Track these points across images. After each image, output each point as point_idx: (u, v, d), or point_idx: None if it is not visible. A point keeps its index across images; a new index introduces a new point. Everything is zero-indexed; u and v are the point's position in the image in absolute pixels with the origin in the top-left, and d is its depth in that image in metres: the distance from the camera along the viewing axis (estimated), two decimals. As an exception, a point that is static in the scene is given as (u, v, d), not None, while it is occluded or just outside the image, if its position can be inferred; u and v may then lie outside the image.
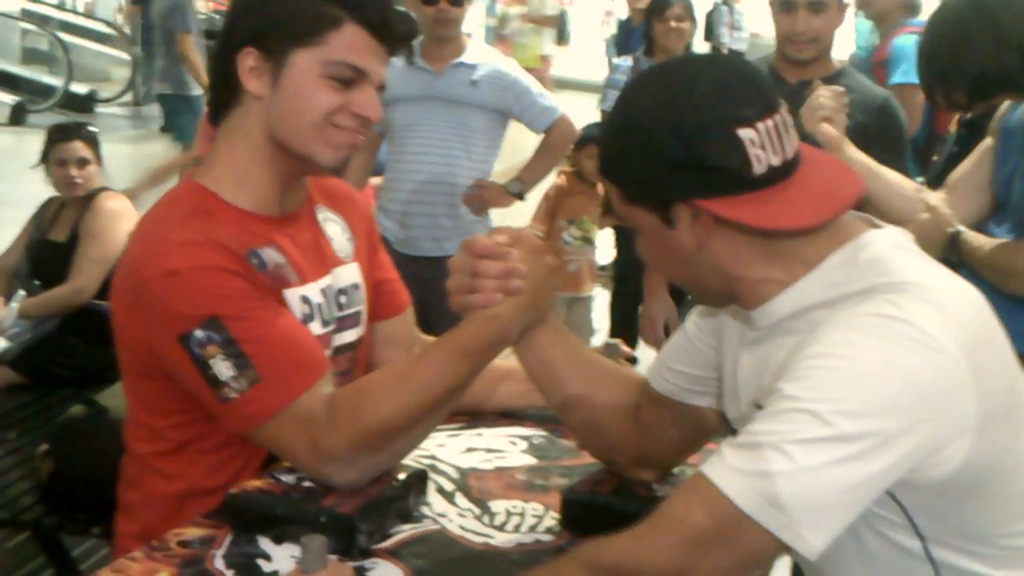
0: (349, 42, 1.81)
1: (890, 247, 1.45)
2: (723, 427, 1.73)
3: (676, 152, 1.41)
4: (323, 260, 1.98)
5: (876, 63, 4.53)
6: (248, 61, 1.82)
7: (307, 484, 1.75)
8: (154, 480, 1.92)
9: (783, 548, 1.31)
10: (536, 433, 2.15)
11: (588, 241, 5.67)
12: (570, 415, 1.86)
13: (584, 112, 6.58)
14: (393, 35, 1.85)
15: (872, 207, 3.01)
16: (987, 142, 2.95)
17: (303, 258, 1.91)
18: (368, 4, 1.82)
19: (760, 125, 1.40)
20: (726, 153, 1.39)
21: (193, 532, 1.69)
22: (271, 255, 1.84)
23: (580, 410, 1.83)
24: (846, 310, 1.37)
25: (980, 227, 2.88)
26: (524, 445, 2.10)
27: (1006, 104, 2.88)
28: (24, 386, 4.22)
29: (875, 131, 3.21)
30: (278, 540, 1.66)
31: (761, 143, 1.40)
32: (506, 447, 2.08)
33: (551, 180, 5.67)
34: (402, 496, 1.77)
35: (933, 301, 1.36)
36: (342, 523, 1.64)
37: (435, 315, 4.23)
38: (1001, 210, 2.87)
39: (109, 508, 2.04)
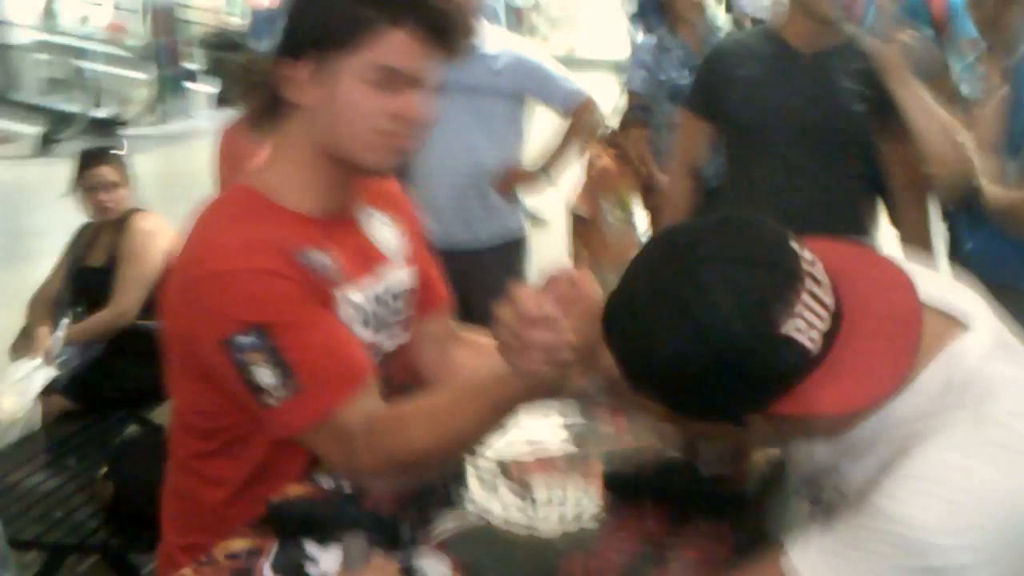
0: (395, 46, 1.79)
1: (984, 360, 1.34)
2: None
3: (727, 380, 1.27)
4: (371, 263, 1.98)
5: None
6: (295, 73, 1.82)
7: (347, 486, 1.78)
8: (200, 487, 1.93)
9: None
10: (577, 421, 2.15)
11: (631, 219, 5.67)
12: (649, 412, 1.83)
13: (609, 89, 6.55)
14: (440, 37, 1.81)
15: (918, 144, 3.00)
16: (1004, 90, 2.94)
17: (350, 261, 1.91)
18: (415, 7, 1.79)
19: (797, 307, 1.26)
20: (779, 356, 1.26)
21: (239, 544, 1.71)
22: (318, 256, 1.84)
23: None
24: (956, 432, 1.28)
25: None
26: (564, 434, 2.10)
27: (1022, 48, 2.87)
28: (77, 412, 4.27)
29: (876, 95, 3.18)
30: (323, 542, 1.67)
31: (808, 323, 1.27)
32: (547, 436, 2.08)
33: (597, 160, 5.67)
34: (442, 485, 1.80)
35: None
36: (383, 525, 1.67)
37: (474, 308, 4.25)
38: (1015, 154, 2.85)
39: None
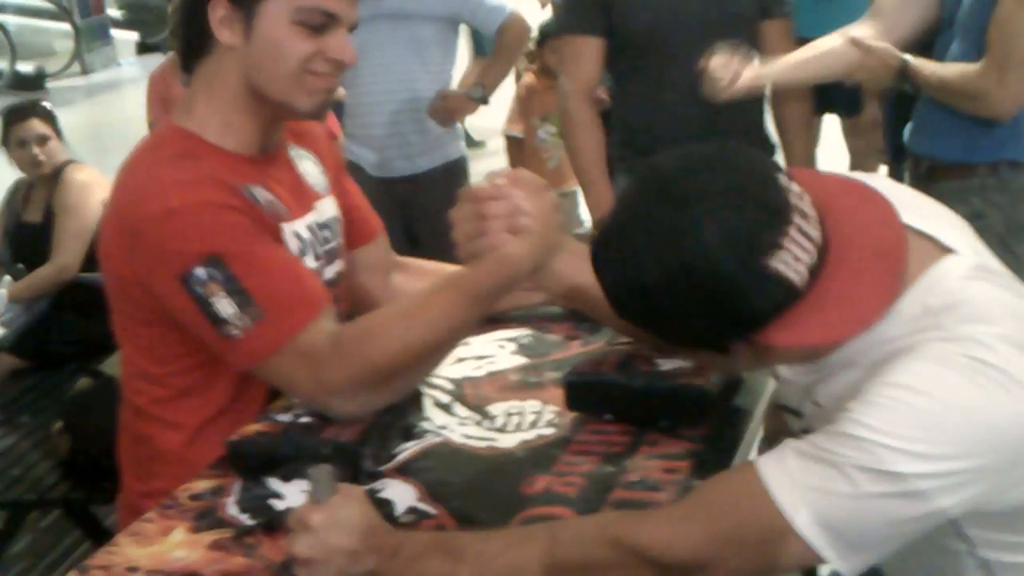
0: None
1: (962, 281, 1.36)
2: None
3: (712, 311, 1.30)
4: (305, 196, 1.99)
5: None
6: (219, 11, 1.80)
7: (305, 420, 1.77)
8: (159, 432, 1.92)
9: (818, 562, 1.28)
10: (522, 333, 2.16)
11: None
12: (620, 326, 1.82)
13: (531, 6, 6.51)
14: None
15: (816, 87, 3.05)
16: None
17: (288, 196, 1.92)
18: None
19: (785, 240, 1.27)
20: (767, 290, 1.28)
21: (202, 485, 1.72)
22: (262, 193, 1.84)
23: None
24: (933, 347, 1.29)
25: (927, 48, 2.90)
26: (513, 347, 2.11)
27: None
28: (27, 369, 4.26)
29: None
30: (286, 478, 1.68)
31: (795, 257, 1.28)
32: (495, 351, 2.09)
33: (521, 80, 5.65)
34: (400, 416, 1.79)
35: (1021, 345, 1.29)
36: (345, 452, 1.66)
37: (420, 233, 4.27)
38: (948, 25, 2.87)
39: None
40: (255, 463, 1.72)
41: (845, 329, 1.32)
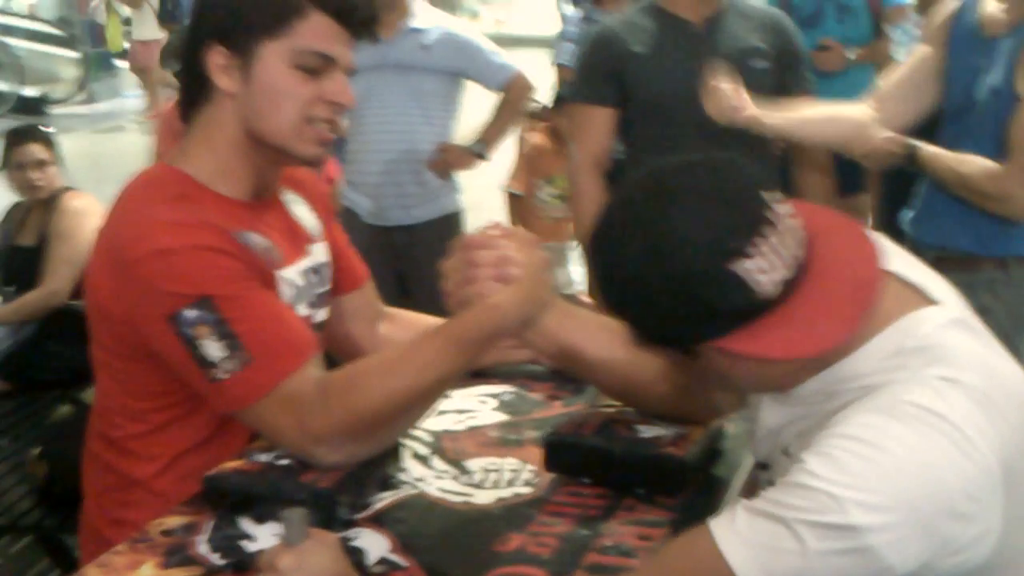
0: (315, 30, 1.79)
1: (940, 328, 1.37)
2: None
3: (679, 306, 1.32)
4: (299, 240, 1.99)
5: None
6: (217, 59, 1.81)
7: (284, 462, 1.76)
8: (132, 463, 1.91)
9: None
10: (505, 390, 2.16)
11: (563, 199, 5.69)
12: (608, 389, 1.85)
13: (539, 66, 6.57)
14: (357, 20, 1.83)
15: (819, 150, 3.07)
16: (922, 49, 2.99)
17: (283, 240, 1.92)
18: None
19: (756, 248, 1.29)
20: (728, 293, 1.30)
21: (174, 520, 1.71)
22: (256, 239, 1.84)
23: (615, 381, 1.81)
24: (886, 394, 1.31)
25: (930, 135, 2.92)
26: (494, 403, 2.11)
27: (947, 10, 2.92)
28: (9, 393, 4.24)
29: (773, 50, 3.23)
30: (260, 520, 1.67)
31: (761, 267, 1.30)
32: (476, 406, 2.09)
33: (531, 139, 5.70)
34: (379, 465, 1.79)
35: (981, 400, 1.29)
36: (322, 499, 1.66)
37: (412, 283, 4.28)
38: (957, 119, 2.90)
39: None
40: (231, 501, 1.71)
41: (804, 347, 1.32)
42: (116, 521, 1.88)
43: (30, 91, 13.11)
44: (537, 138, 5.69)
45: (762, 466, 1.61)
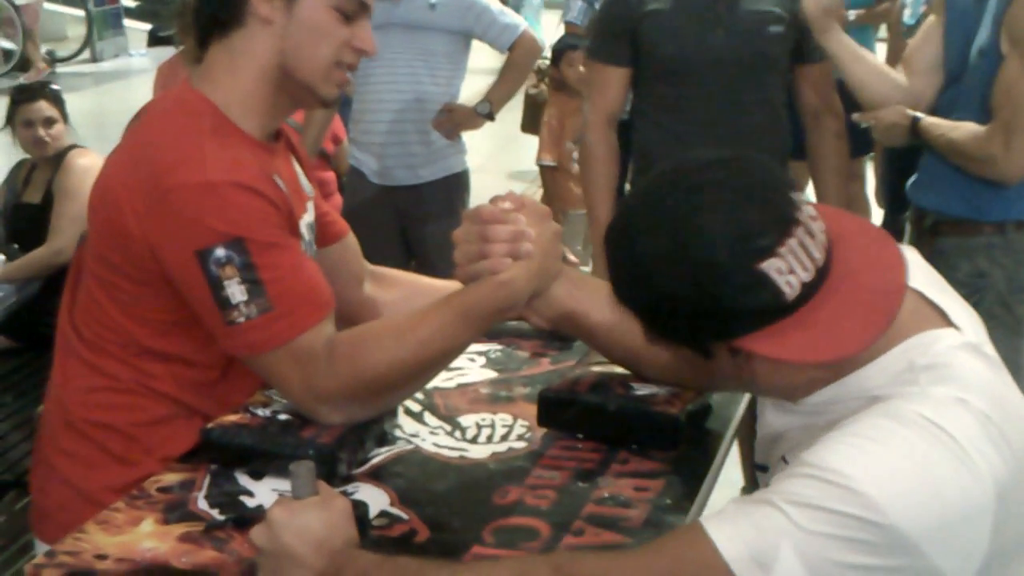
0: None
1: (953, 349, 1.35)
2: None
3: (699, 301, 1.30)
4: (302, 195, 1.98)
5: None
6: None
7: (283, 417, 1.77)
8: (137, 403, 1.87)
9: None
10: (492, 347, 2.16)
11: None
12: (611, 355, 1.85)
13: (548, 27, 6.55)
14: None
15: (856, 92, 3.05)
16: (930, 20, 2.98)
17: (292, 191, 1.90)
18: None
19: (782, 249, 1.28)
20: (753, 292, 1.28)
21: (171, 477, 1.71)
22: (283, 185, 1.83)
23: (618, 348, 1.80)
24: (894, 404, 1.30)
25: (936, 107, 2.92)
26: (483, 360, 2.12)
27: None
28: (15, 350, 4.26)
29: (789, 15, 3.20)
30: (257, 476, 1.69)
31: (789, 267, 1.28)
32: (465, 364, 2.10)
33: (548, 111, 5.69)
34: (376, 421, 1.79)
35: (986, 424, 1.28)
36: (322, 453, 1.66)
37: (417, 243, 4.28)
38: (954, 84, 2.89)
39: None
40: (229, 454, 1.72)
41: (824, 352, 1.31)
42: (98, 424, 1.87)
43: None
44: (554, 106, 5.68)
45: (762, 468, 1.60)
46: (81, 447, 1.90)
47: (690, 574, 1.28)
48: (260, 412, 1.79)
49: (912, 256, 1.45)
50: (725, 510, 1.29)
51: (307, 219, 1.97)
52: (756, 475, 1.65)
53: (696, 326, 1.33)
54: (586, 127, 3.41)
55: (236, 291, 1.68)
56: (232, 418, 1.78)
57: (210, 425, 1.76)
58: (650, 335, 1.41)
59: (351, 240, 2.19)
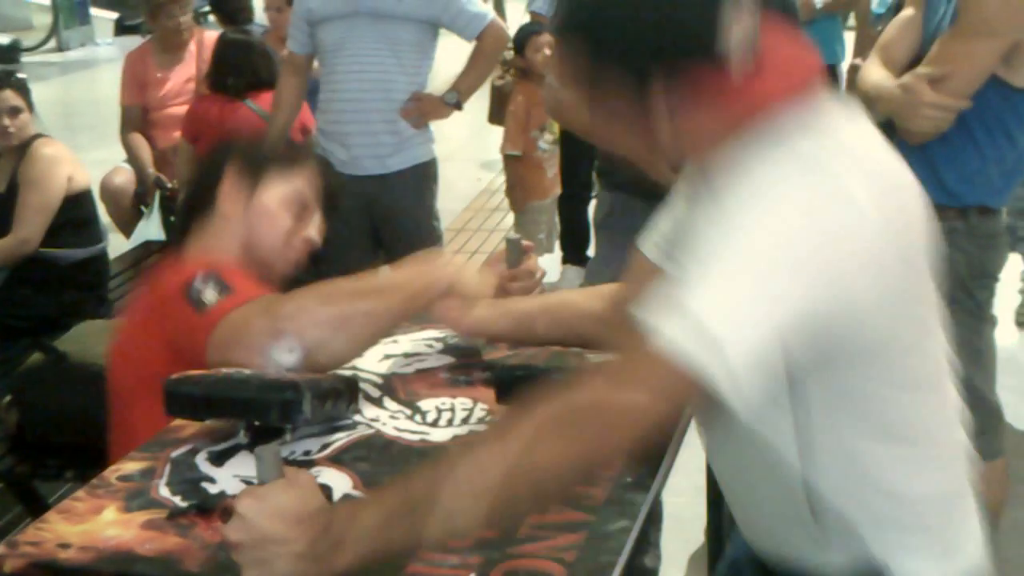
0: (312, 178, 2.28)
1: (835, 111, 1.43)
2: None
3: (657, 16, 1.36)
4: None
5: None
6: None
7: (247, 372, 1.79)
8: None
9: (709, 390, 1.25)
10: (450, 333, 2.17)
11: (558, 143, 5.73)
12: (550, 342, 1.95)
13: (513, 16, 6.55)
14: None
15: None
16: (907, 12, 2.98)
17: None
18: None
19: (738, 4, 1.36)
20: (710, 19, 1.34)
21: (132, 466, 1.72)
22: None
23: (553, 336, 1.92)
24: (770, 157, 1.36)
25: None
26: (440, 346, 2.14)
27: None
28: (-22, 341, 4.21)
29: None
30: (219, 462, 1.71)
31: (738, 20, 1.35)
32: (423, 350, 2.12)
33: (514, 100, 5.70)
34: (340, 388, 1.81)
35: (863, 167, 1.35)
36: (288, 387, 1.68)
37: (385, 232, 4.28)
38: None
39: (79, 451, 2.06)
40: (195, 402, 1.74)
41: (754, 94, 1.38)
42: None
43: (1, 38, 12.97)
44: (519, 96, 5.69)
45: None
46: None
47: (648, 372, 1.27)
48: (224, 370, 1.81)
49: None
50: (652, 306, 1.29)
51: None
52: None
53: (649, 43, 1.37)
54: (552, 89, 3.37)
55: (209, 295, 1.95)
56: (195, 372, 1.79)
57: (173, 377, 1.76)
58: (589, 70, 1.43)
59: None
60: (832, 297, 1.30)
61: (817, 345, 1.31)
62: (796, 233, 1.29)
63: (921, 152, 2.83)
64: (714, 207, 1.35)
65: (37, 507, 3.37)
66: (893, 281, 1.35)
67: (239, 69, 4.87)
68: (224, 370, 1.80)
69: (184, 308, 1.95)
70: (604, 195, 3.37)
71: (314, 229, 2.26)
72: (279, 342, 1.82)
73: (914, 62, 2.83)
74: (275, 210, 2.20)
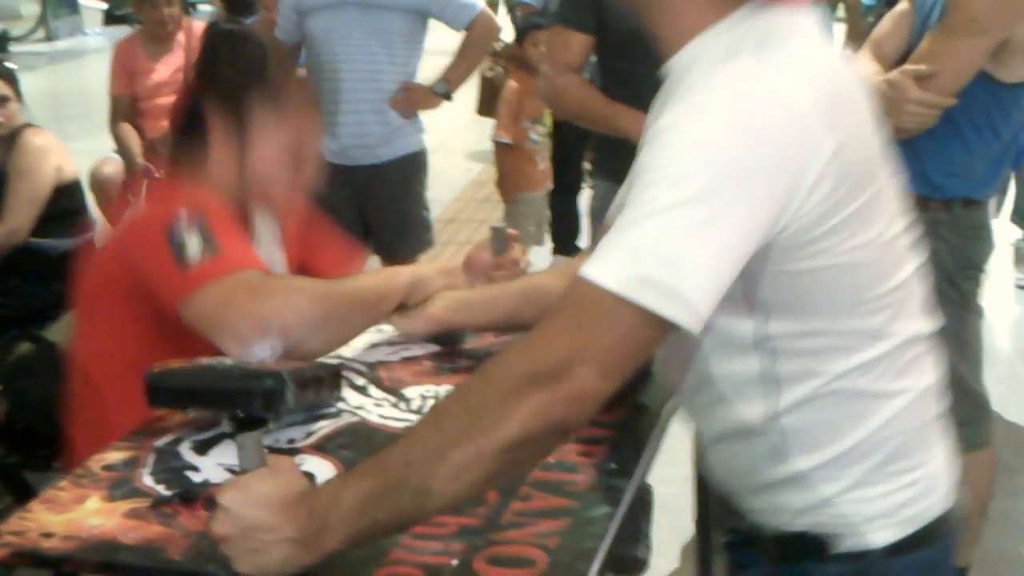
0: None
1: (787, 14, 1.41)
2: None
3: None
4: None
5: None
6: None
7: (228, 363, 1.79)
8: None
9: (658, 322, 1.23)
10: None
11: (551, 135, 5.73)
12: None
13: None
14: None
15: None
16: (902, 6, 2.98)
17: None
18: None
19: None
20: None
21: (115, 456, 1.73)
22: None
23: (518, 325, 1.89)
24: (710, 68, 1.34)
25: None
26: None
27: None
28: (-32, 331, 4.21)
29: None
30: (202, 451, 1.71)
31: None
32: (407, 339, 2.12)
33: (508, 87, 5.70)
34: (322, 376, 1.81)
35: (795, 65, 1.34)
36: (270, 377, 1.68)
37: (375, 223, 4.28)
38: None
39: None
40: (176, 394, 1.75)
41: None
42: None
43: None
44: (513, 83, 5.68)
45: None
46: None
47: (589, 319, 1.26)
48: (205, 361, 1.80)
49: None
50: (597, 252, 1.28)
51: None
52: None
53: None
54: (549, 77, 3.37)
55: (192, 243, 1.86)
56: (177, 362, 1.78)
57: (154, 368, 1.76)
58: None
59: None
60: (774, 199, 1.28)
61: (766, 247, 1.31)
62: (733, 150, 1.27)
63: (906, 144, 2.83)
64: (655, 128, 1.33)
65: (26, 497, 3.37)
66: (835, 167, 1.32)
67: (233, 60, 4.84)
68: (205, 360, 1.79)
69: (163, 251, 1.87)
70: (599, 184, 3.37)
71: (315, 152, 2.20)
72: (263, 339, 1.79)
73: (905, 57, 2.84)
74: (273, 129, 2.11)
